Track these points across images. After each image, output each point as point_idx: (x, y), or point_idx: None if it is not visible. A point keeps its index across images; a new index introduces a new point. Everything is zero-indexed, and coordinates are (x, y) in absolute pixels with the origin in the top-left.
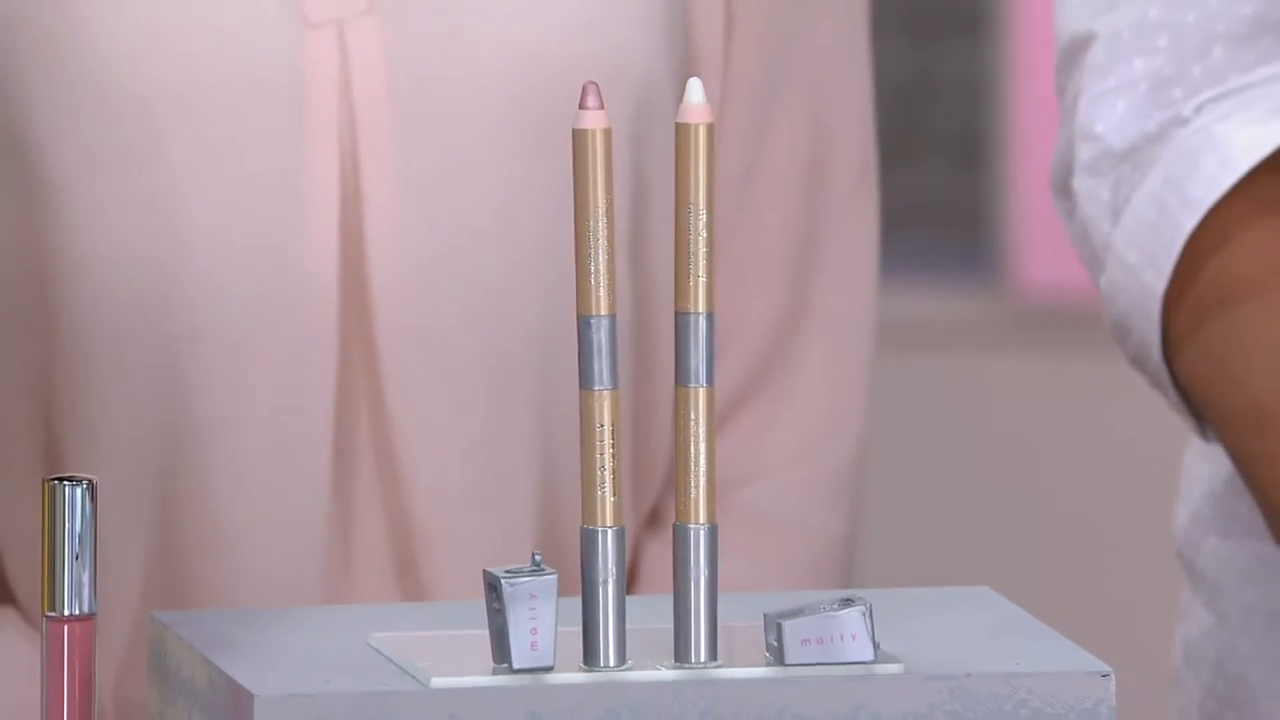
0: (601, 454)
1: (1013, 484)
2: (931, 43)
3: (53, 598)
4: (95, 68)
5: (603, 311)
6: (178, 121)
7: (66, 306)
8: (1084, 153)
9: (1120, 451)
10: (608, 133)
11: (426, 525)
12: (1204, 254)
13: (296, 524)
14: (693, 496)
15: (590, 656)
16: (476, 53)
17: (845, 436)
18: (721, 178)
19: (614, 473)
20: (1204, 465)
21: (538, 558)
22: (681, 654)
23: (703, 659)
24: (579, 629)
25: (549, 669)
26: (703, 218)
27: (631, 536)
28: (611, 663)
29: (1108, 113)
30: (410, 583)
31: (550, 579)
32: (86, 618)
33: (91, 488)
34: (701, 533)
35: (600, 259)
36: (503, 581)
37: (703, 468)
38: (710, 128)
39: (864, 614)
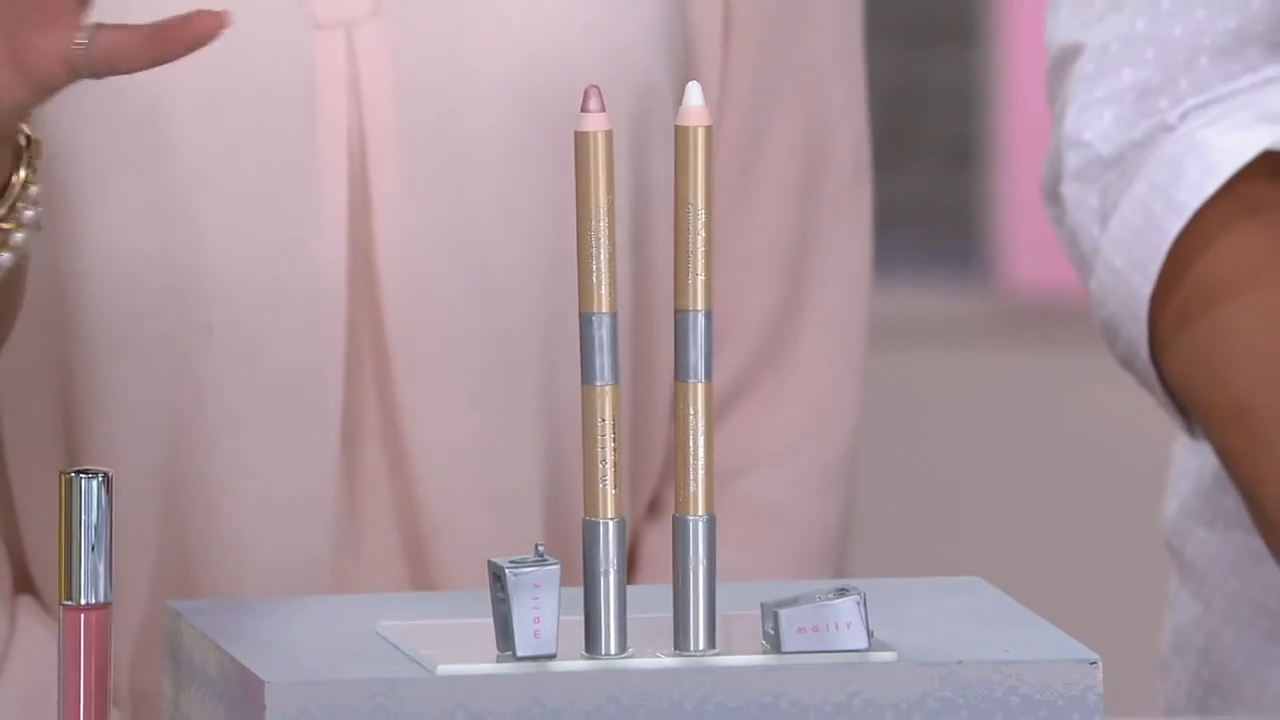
0: (603, 447)
1: (1002, 475)
2: (924, 50)
3: (70, 587)
4: None
5: (604, 309)
6: (190, 122)
7: (83, 303)
8: (1073, 160)
9: (1107, 443)
10: (609, 135)
11: (434, 515)
12: (1189, 257)
13: (306, 514)
14: (691, 489)
15: (592, 645)
16: (481, 53)
17: (839, 428)
18: (720, 177)
19: (615, 466)
20: (1192, 459)
21: (541, 548)
22: (681, 642)
23: (701, 647)
24: (581, 618)
25: (552, 657)
26: (701, 217)
27: (631, 526)
28: (613, 651)
29: (1096, 121)
30: (418, 571)
31: (553, 569)
32: (102, 606)
33: (107, 480)
34: (700, 524)
35: (601, 258)
36: (507, 571)
37: (701, 461)
38: (709, 130)
39: (858, 603)
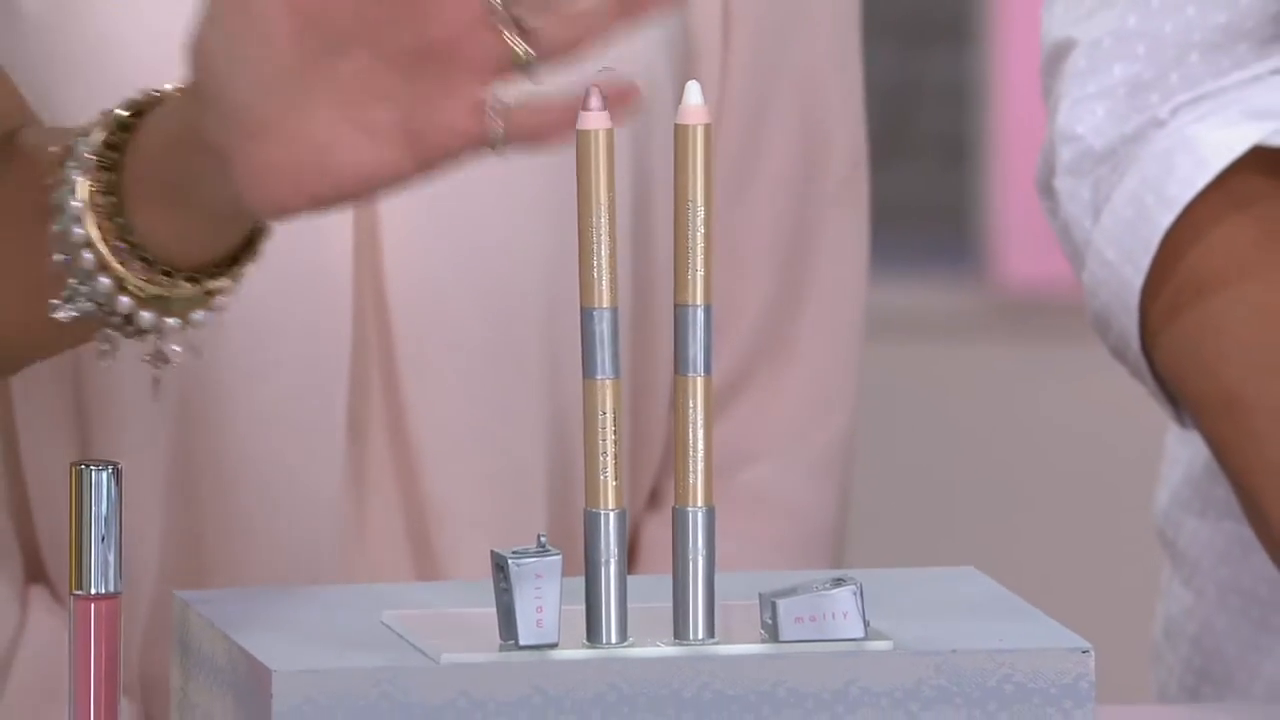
0: (604, 440)
1: (996, 467)
2: (919, 50)
3: (80, 577)
4: (129, 75)
5: (605, 304)
6: None
7: None
8: (1065, 154)
9: (1099, 435)
10: (610, 133)
11: (439, 504)
12: (1179, 250)
13: (312, 504)
14: (691, 481)
15: (593, 634)
16: None
17: (836, 420)
18: (719, 173)
19: (615, 458)
20: (1183, 450)
21: (543, 539)
22: (680, 631)
23: (701, 636)
24: (583, 607)
25: (554, 646)
26: (700, 214)
27: (632, 517)
28: (614, 640)
29: (1088, 116)
30: (424, 561)
31: (555, 559)
32: (112, 596)
33: (116, 472)
34: (699, 515)
35: (602, 254)
36: (509, 562)
37: (700, 453)
38: (708, 128)
39: (854, 593)
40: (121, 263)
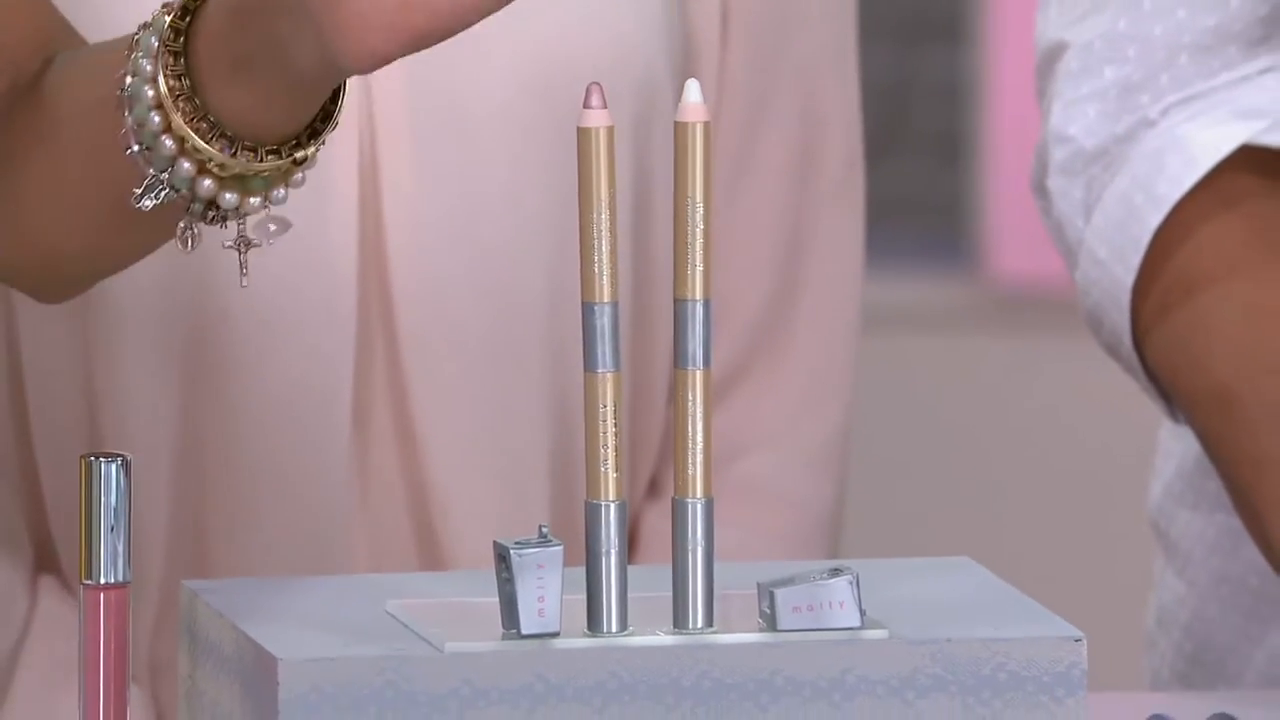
0: (604, 432)
1: (991, 459)
2: (914, 49)
3: (90, 567)
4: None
5: (605, 299)
6: None
7: (103, 291)
8: (1058, 154)
9: (1092, 427)
10: (610, 130)
11: (443, 495)
12: (1169, 248)
13: (318, 495)
14: (690, 472)
15: (594, 623)
16: (488, 47)
17: (833, 412)
18: (718, 169)
19: (615, 450)
20: (1175, 443)
21: (545, 529)
22: (680, 620)
23: (700, 625)
24: (584, 597)
25: (555, 635)
26: (700, 211)
27: (632, 507)
28: (614, 629)
29: (1080, 117)
30: (428, 551)
31: (556, 550)
32: (121, 586)
33: (126, 464)
34: (699, 506)
35: (603, 249)
36: (512, 552)
37: (700, 445)
38: (707, 126)
39: (851, 583)
40: (201, 142)
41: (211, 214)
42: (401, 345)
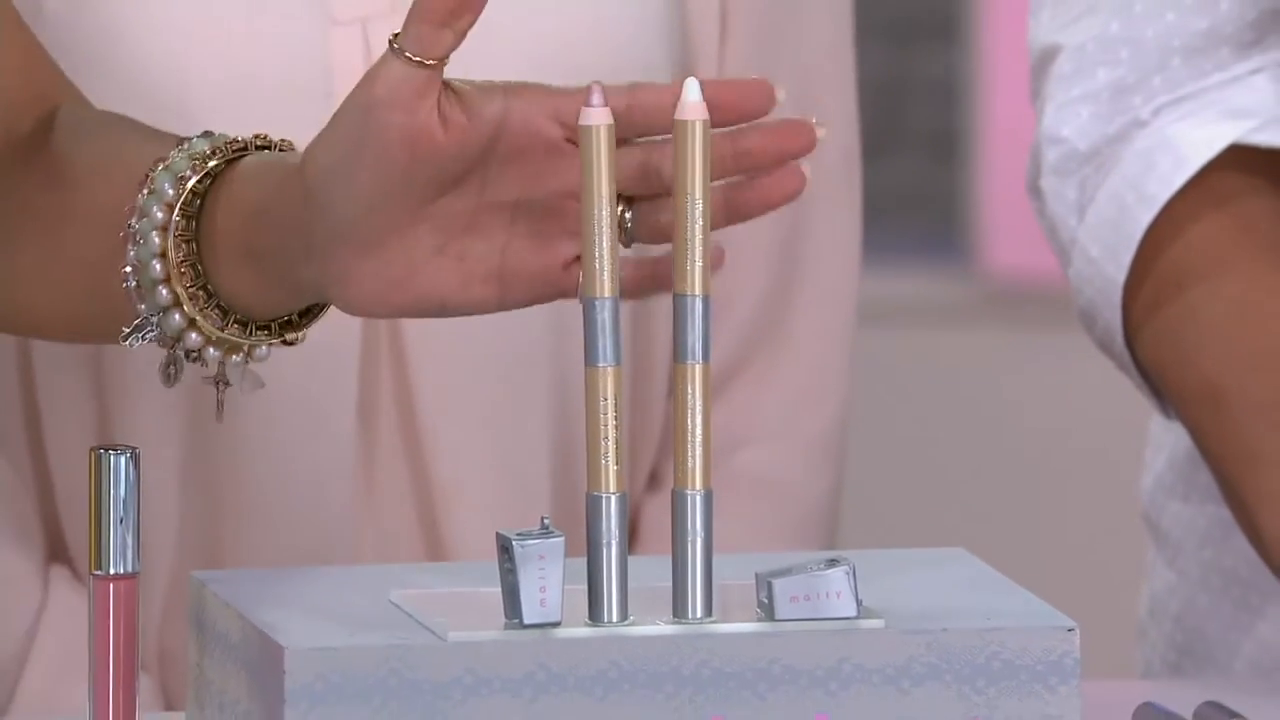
0: (605, 425)
1: (985, 450)
2: (909, 47)
3: (99, 558)
4: (138, 64)
5: (606, 294)
6: (213, 113)
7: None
8: (1051, 155)
9: (1084, 420)
10: (611, 128)
11: (446, 487)
12: (1160, 246)
13: (324, 487)
14: (690, 465)
15: (595, 612)
16: (490, 49)
17: (830, 405)
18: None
19: (616, 443)
20: (1167, 436)
21: (546, 521)
22: (679, 610)
23: (699, 615)
24: (585, 587)
25: (557, 624)
26: (699, 207)
27: (632, 499)
28: (615, 618)
29: (1073, 118)
30: (431, 541)
31: (558, 541)
32: (130, 576)
33: (135, 456)
34: (698, 498)
35: (603, 244)
36: (514, 543)
37: (699, 438)
38: (706, 124)
39: (848, 573)
40: (199, 309)
41: (194, 358)
42: (405, 342)
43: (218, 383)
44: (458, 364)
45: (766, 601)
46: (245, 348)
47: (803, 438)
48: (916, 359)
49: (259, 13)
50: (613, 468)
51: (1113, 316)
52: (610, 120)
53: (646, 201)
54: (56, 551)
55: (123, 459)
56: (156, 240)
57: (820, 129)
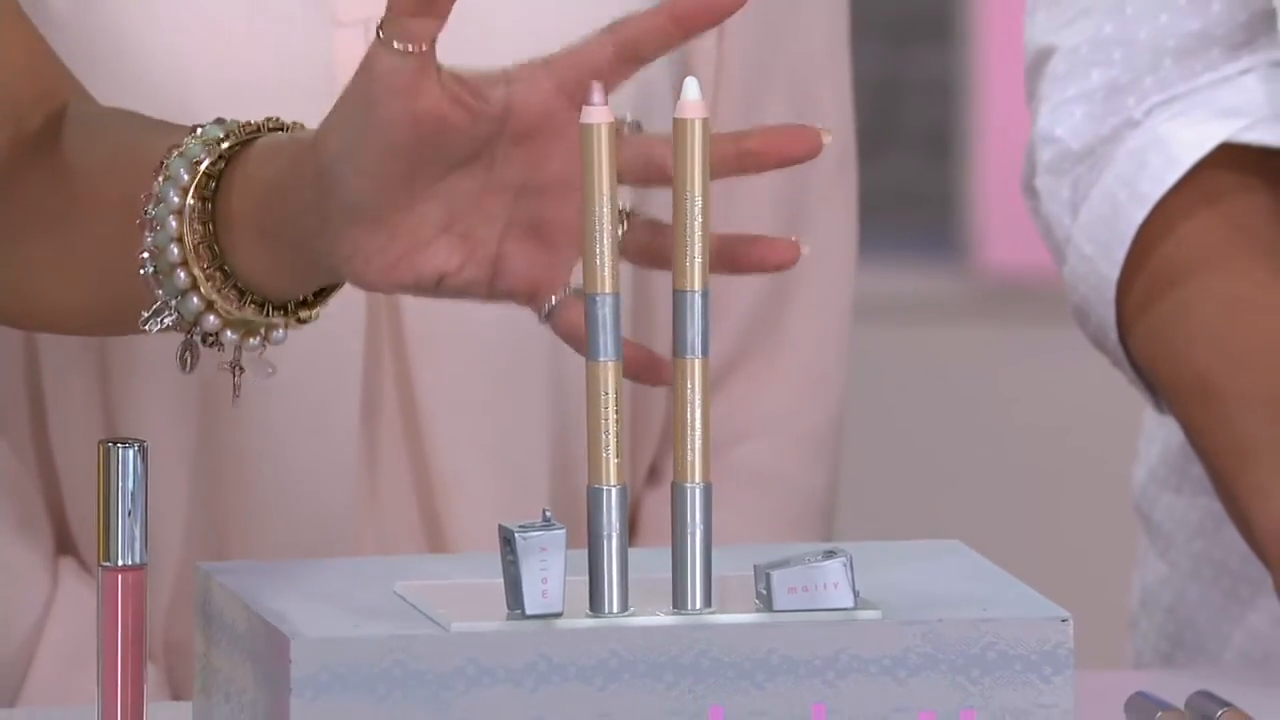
0: (605, 419)
1: (980, 444)
2: (905, 48)
3: (108, 549)
4: (142, 64)
5: (607, 290)
6: (218, 113)
7: None
8: (1045, 154)
9: (1077, 413)
10: (612, 126)
11: (448, 482)
12: (1152, 243)
13: (328, 481)
14: (689, 458)
15: (596, 604)
16: (491, 50)
17: (827, 399)
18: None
19: (617, 436)
20: (1159, 429)
21: (548, 514)
22: (679, 601)
23: (698, 606)
24: (586, 579)
25: (558, 615)
26: (698, 204)
27: (632, 492)
28: (615, 609)
29: (1067, 119)
30: (433, 534)
31: (559, 533)
32: (138, 567)
33: (143, 450)
34: (697, 491)
35: (604, 241)
36: (516, 535)
37: (698, 431)
38: (705, 122)
39: (845, 565)
40: (216, 290)
41: (211, 341)
42: (408, 339)
43: (233, 368)
44: (458, 362)
45: (765, 593)
46: (262, 331)
47: (800, 432)
48: (912, 355)
49: (262, 13)
50: (613, 461)
51: (1106, 313)
52: (611, 118)
53: (642, 224)
54: (64, 544)
55: (131, 452)
56: (173, 224)
57: (826, 135)
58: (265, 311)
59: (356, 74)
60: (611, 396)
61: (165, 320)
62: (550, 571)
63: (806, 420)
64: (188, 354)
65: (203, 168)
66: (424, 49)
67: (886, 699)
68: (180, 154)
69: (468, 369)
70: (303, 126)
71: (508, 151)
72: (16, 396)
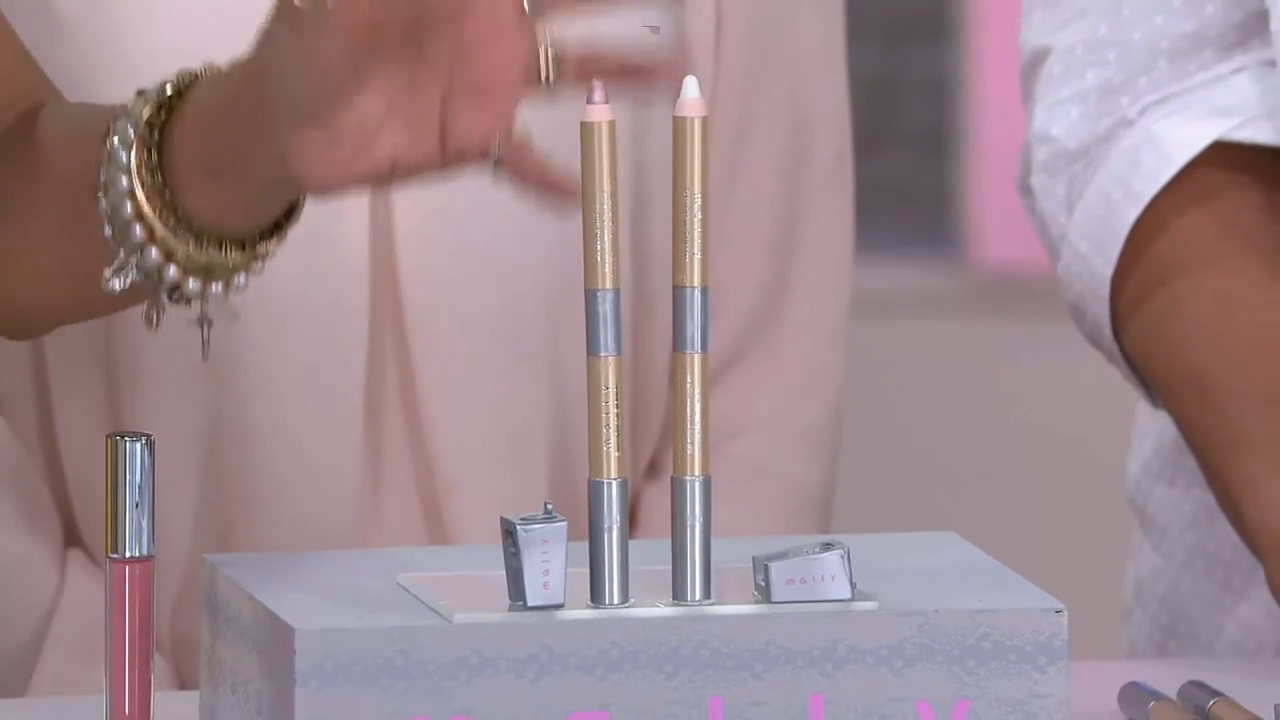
0: (606, 413)
1: (975, 438)
2: (901, 47)
3: (115, 541)
4: (147, 64)
5: (608, 285)
6: None
7: None
8: (1041, 153)
9: (1071, 407)
10: (612, 124)
11: (449, 476)
12: (1146, 241)
13: (333, 476)
14: (688, 452)
15: (597, 595)
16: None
17: (824, 394)
18: (713, 163)
19: (617, 430)
20: (1153, 423)
21: (549, 506)
22: (679, 592)
23: (698, 597)
24: (587, 570)
25: (560, 606)
26: (697, 201)
27: (632, 486)
28: (616, 600)
29: (1062, 118)
30: (435, 528)
31: (561, 525)
32: (145, 559)
33: (150, 443)
34: (696, 484)
35: (605, 238)
36: (518, 528)
37: (698, 425)
38: (704, 121)
39: (842, 557)
40: (170, 235)
41: (176, 296)
42: (410, 336)
43: (201, 323)
44: (460, 357)
45: (763, 584)
46: (225, 279)
47: (798, 426)
48: (909, 350)
49: (264, 13)
50: (614, 454)
51: (1101, 310)
52: (611, 116)
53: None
54: (72, 536)
55: (138, 445)
56: (124, 181)
57: (654, 30)
58: (224, 251)
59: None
60: (612, 391)
61: (127, 277)
62: (552, 563)
63: (805, 415)
64: (154, 312)
65: (145, 116)
66: None
67: (883, 689)
68: (126, 115)
69: (469, 364)
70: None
71: (433, 27)
72: (23, 390)
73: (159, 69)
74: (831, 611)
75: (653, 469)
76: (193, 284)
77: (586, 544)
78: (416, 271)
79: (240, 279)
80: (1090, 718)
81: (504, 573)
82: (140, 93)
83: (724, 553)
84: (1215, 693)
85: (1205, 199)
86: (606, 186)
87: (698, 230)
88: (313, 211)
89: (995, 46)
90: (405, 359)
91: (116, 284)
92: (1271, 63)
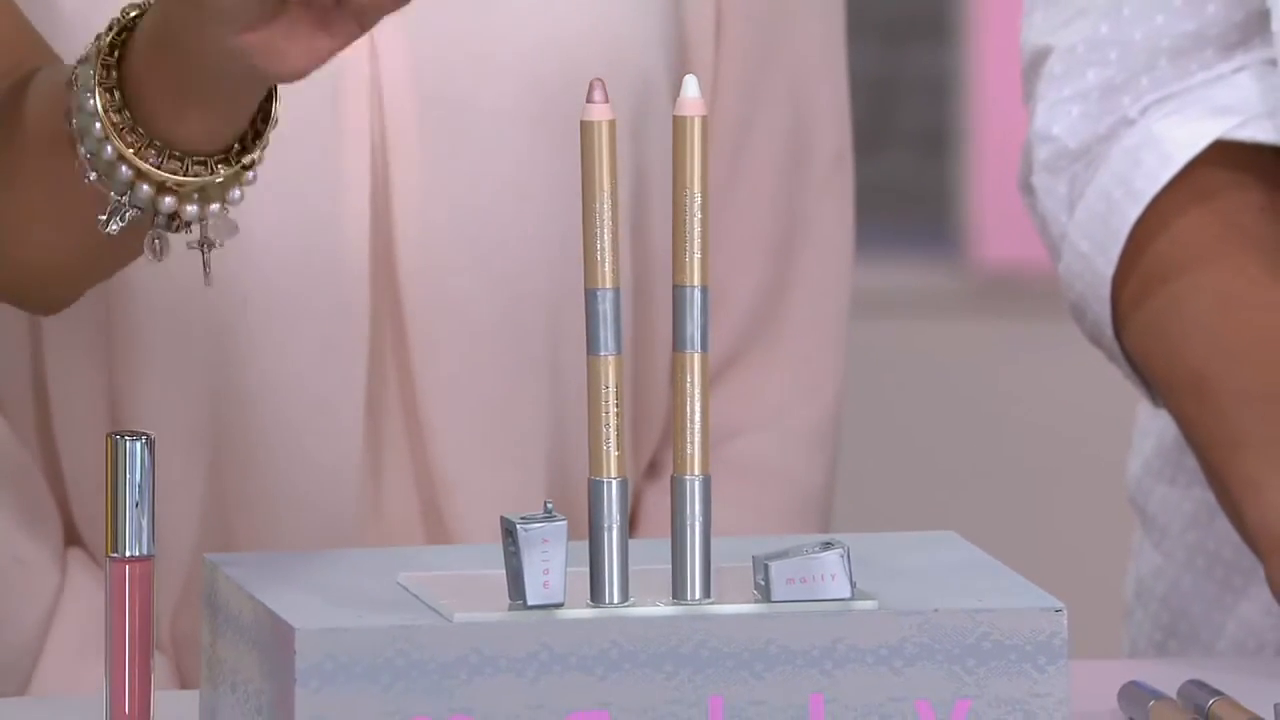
0: (606, 413)
1: (975, 437)
2: (900, 47)
3: (115, 541)
4: None
5: (607, 285)
6: None
7: (128, 279)
8: (1042, 152)
9: (1072, 406)
10: (612, 124)
11: (449, 476)
12: (1147, 240)
13: (333, 475)
14: (688, 451)
15: (597, 594)
16: (493, 51)
17: (824, 393)
18: (713, 162)
19: (617, 430)
20: (1154, 422)
21: (549, 506)
22: (679, 592)
23: (698, 596)
24: (587, 569)
25: (559, 605)
26: (697, 200)
27: (633, 485)
28: (616, 600)
29: (1064, 117)
30: (435, 527)
31: (560, 525)
32: (145, 559)
33: (150, 442)
34: (696, 483)
35: (605, 237)
36: (518, 527)
37: (698, 425)
38: (704, 120)
39: (842, 556)
40: (154, 168)
41: (176, 224)
42: (410, 337)
43: (201, 245)
44: (460, 358)
45: (763, 583)
46: (220, 197)
47: (798, 426)
48: (909, 349)
49: None
50: (614, 454)
51: (1102, 309)
52: (611, 116)
53: None
54: (72, 535)
55: (138, 445)
56: (97, 127)
57: None
58: (210, 169)
59: None
60: (612, 390)
61: (124, 216)
62: (552, 562)
63: (805, 414)
64: (156, 241)
65: (99, 57)
66: None
67: (883, 688)
68: (84, 60)
69: (469, 365)
70: None
71: None
72: (22, 389)
73: None
74: (831, 611)
75: (653, 469)
76: (189, 209)
77: (586, 543)
78: (417, 273)
79: (235, 193)
80: (1090, 717)
81: (504, 572)
82: (96, 37)
83: (724, 552)
84: (1215, 692)
85: (1206, 198)
86: (606, 186)
87: (698, 230)
88: (314, 214)
89: (995, 46)
90: (406, 360)
91: (115, 226)
92: (1272, 62)
